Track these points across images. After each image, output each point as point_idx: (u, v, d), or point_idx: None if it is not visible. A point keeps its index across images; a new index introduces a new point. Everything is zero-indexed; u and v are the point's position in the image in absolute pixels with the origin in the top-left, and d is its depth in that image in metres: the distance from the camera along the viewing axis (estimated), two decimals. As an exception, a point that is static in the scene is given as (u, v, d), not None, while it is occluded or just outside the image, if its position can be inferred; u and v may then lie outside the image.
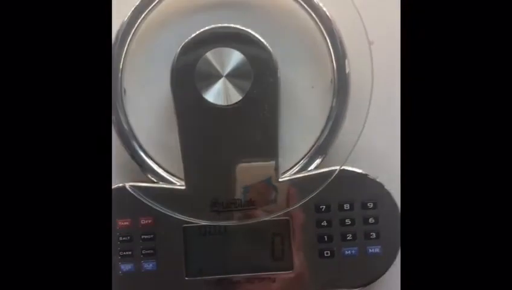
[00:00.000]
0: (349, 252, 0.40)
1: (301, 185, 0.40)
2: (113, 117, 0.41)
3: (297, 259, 0.40)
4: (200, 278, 0.40)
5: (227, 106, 0.39)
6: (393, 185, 0.39)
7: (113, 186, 0.40)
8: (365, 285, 0.40)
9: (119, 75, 0.41)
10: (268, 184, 0.40)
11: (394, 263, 0.40)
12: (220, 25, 0.39)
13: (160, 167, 0.42)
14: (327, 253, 0.40)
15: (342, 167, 0.39)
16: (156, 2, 0.41)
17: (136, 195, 0.39)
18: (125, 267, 0.40)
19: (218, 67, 0.39)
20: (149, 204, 0.39)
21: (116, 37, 0.41)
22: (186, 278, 0.40)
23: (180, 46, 0.39)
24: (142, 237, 0.40)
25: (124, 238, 0.40)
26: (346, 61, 0.40)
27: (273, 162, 0.39)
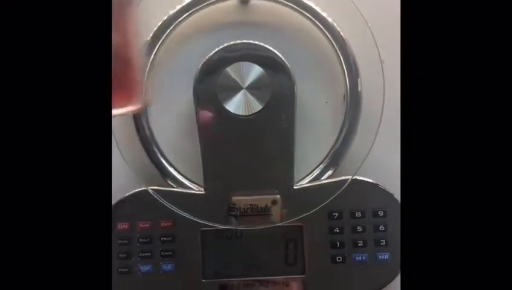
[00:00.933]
0: (360, 258, 0.41)
1: (315, 193, 0.41)
2: (137, 126, 0.43)
3: (310, 264, 0.42)
4: (216, 280, 0.42)
5: (247, 116, 0.41)
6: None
7: (136, 190, 0.42)
8: (374, 290, 0.42)
9: (143, 86, 0.43)
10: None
11: (400, 270, 0.41)
12: (239, 41, 0.42)
13: (179, 173, 0.44)
14: (339, 259, 0.41)
15: (354, 177, 0.41)
16: (178, 21, 0.44)
17: (157, 198, 0.41)
18: (144, 267, 0.42)
19: (239, 80, 0.41)
20: (170, 207, 0.41)
21: (142, 50, 0.43)
22: (203, 280, 0.42)
23: (204, 59, 0.41)
24: (162, 239, 0.42)
25: (144, 239, 0.42)
26: (359, 80, 0.43)
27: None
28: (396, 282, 0.41)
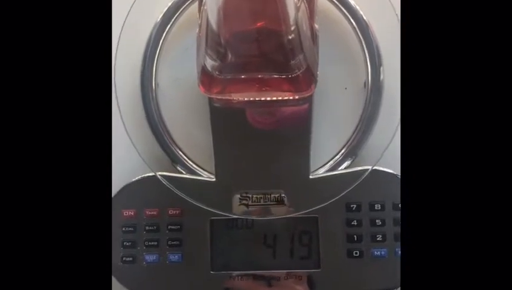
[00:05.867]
0: (378, 253, 0.39)
1: (332, 183, 0.39)
2: (146, 110, 0.41)
3: (325, 258, 0.40)
4: (225, 272, 0.40)
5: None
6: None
7: (143, 175, 0.40)
8: (393, 288, 0.39)
9: (154, 69, 0.41)
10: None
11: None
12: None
13: (189, 159, 0.42)
14: (356, 253, 0.39)
15: (374, 167, 0.39)
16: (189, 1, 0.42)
17: (166, 184, 0.39)
18: (150, 257, 0.40)
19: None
20: (179, 194, 0.39)
21: (151, 34, 0.41)
22: (211, 272, 0.40)
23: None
24: (169, 227, 0.40)
25: (150, 227, 0.40)
26: (381, 68, 0.41)
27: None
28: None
